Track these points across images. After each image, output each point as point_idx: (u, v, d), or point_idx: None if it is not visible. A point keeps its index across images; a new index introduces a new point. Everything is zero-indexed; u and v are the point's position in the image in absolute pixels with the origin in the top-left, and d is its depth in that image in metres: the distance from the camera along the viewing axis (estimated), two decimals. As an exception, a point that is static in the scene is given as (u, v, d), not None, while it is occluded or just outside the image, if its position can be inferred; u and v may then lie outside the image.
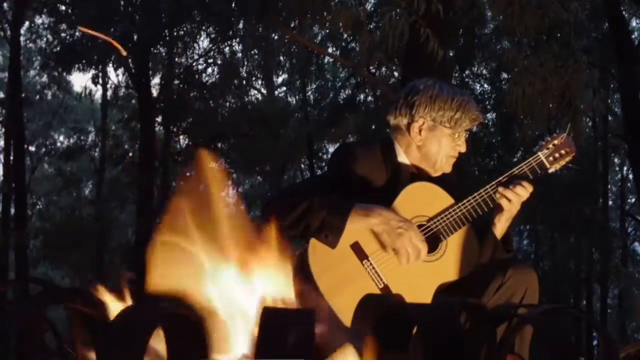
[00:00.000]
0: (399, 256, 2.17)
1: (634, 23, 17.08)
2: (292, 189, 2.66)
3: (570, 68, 6.25)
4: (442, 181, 2.37)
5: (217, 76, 14.72)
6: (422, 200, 2.27)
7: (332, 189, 2.23)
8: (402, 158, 2.41)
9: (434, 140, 2.36)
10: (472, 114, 2.37)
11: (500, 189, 2.27)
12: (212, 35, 13.94)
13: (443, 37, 6.02)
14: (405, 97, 2.40)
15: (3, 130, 15.95)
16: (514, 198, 2.27)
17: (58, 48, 13.08)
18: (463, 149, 2.40)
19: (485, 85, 14.66)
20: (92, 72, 13.05)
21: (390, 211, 2.19)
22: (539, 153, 2.32)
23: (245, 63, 14.70)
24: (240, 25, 13.01)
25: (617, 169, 20.68)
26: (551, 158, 2.31)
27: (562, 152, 2.32)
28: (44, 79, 17.97)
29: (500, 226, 2.35)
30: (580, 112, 6.65)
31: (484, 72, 14.44)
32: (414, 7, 5.70)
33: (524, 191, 2.27)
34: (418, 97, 2.37)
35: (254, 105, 16.38)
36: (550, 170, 2.33)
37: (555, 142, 2.32)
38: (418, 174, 2.40)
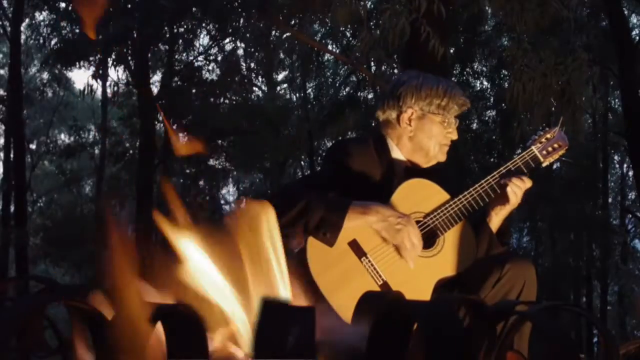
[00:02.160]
0: (401, 251, 2.18)
1: (634, 20, 17.08)
2: (290, 188, 2.66)
3: (570, 65, 6.24)
4: (435, 173, 2.38)
5: (218, 73, 14.71)
6: (418, 197, 2.27)
7: (328, 186, 2.24)
8: (395, 153, 2.42)
9: (424, 129, 2.38)
10: (459, 99, 2.40)
11: (502, 182, 2.29)
12: (212, 33, 13.92)
13: (444, 35, 6.02)
14: (391, 91, 2.42)
15: (3, 127, 15.96)
16: (517, 191, 2.29)
17: (59, 45, 13.05)
18: (454, 136, 2.42)
19: (485, 83, 14.66)
20: (92, 69, 13.04)
21: (388, 208, 2.20)
22: (533, 147, 2.35)
23: (246, 60, 14.68)
24: (241, 23, 12.98)
25: (617, 166, 20.68)
26: (544, 152, 2.34)
27: (555, 145, 2.35)
28: (45, 76, 17.97)
29: (497, 219, 2.37)
30: (580, 109, 6.65)
31: (484, 69, 14.42)
32: (414, 5, 5.69)
33: (522, 184, 2.29)
34: (404, 88, 2.39)
35: (254, 102, 16.36)
36: (545, 164, 2.36)
37: (548, 135, 2.36)
38: (412, 168, 2.41)
